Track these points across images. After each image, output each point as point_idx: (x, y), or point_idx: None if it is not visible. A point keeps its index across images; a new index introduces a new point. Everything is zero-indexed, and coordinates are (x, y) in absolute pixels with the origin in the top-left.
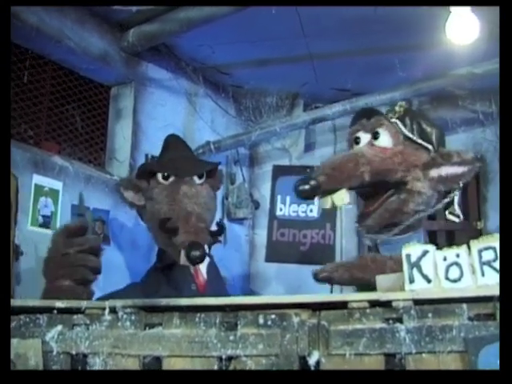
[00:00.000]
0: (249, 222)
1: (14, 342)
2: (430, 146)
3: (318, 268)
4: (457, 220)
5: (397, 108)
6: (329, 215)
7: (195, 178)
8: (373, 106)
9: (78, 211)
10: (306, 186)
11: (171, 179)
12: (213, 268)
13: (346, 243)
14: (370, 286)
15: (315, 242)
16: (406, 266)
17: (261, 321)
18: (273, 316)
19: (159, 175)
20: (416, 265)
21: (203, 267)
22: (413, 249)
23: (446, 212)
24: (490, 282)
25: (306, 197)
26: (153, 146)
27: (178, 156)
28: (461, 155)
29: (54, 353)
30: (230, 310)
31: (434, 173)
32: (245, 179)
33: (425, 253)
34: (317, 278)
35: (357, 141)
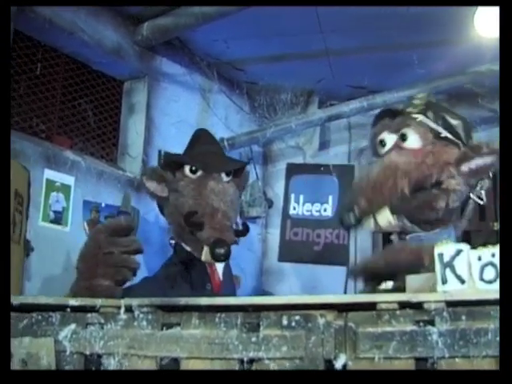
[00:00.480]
0: (262, 221)
1: (25, 340)
2: (458, 141)
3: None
4: (480, 202)
5: (416, 101)
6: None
7: (223, 175)
8: (390, 103)
9: (122, 207)
10: (352, 218)
11: (199, 173)
12: (228, 269)
13: (360, 243)
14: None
15: (329, 242)
16: (438, 266)
17: (284, 322)
18: (297, 317)
19: (186, 168)
20: (449, 265)
21: (220, 268)
22: (446, 248)
23: (471, 195)
24: None
25: (353, 228)
26: (166, 142)
27: (207, 151)
28: (489, 146)
29: (67, 353)
30: (253, 310)
31: (466, 167)
32: (258, 177)
33: (458, 252)
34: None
35: (382, 143)
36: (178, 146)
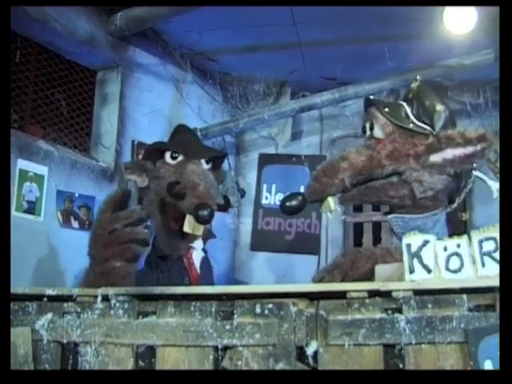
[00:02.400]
0: (234, 211)
1: None
2: (429, 130)
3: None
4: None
5: (412, 85)
6: (315, 204)
7: (202, 162)
8: (362, 95)
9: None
10: (293, 203)
11: (179, 159)
12: (206, 264)
13: (331, 232)
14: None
15: (301, 231)
16: (406, 256)
17: (258, 310)
18: (270, 305)
19: (167, 155)
20: (416, 255)
21: (197, 261)
22: (413, 239)
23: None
24: (490, 273)
25: (292, 212)
26: (139, 132)
27: (187, 140)
28: (465, 135)
29: (45, 341)
30: (227, 298)
31: (436, 158)
32: (231, 167)
33: (425, 243)
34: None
35: (363, 130)
36: (151, 137)
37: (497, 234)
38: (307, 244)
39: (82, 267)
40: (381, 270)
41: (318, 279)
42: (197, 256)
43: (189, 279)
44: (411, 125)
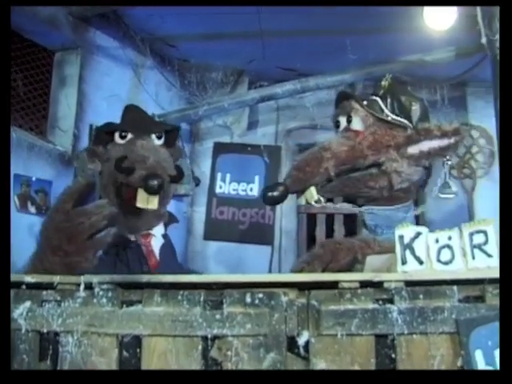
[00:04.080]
0: (188, 199)
1: None
2: (407, 123)
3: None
4: (451, 196)
5: (383, 82)
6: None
7: (153, 137)
8: (323, 87)
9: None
10: (275, 193)
11: (128, 137)
12: (167, 249)
13: (285, 223)
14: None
15: (254, 222)
16: (398, 247)
17: (248, 300)
18: (260, 295)
19: (116, 136)
20: (409, 246)
21: (156, 248)
22: (406, 230)
23: (439, 193)
24: (479, 265)
25: (274, 203)
26: (97, 117)
27: (136, 118)
28: (441, 128)
29: (23, 331)
30: (217, 288)
31: (413, 149)
32: (186, 155)
33: (418, 235)
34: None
35: (337, 124)
36: (109, 121)
37: (487, 227)
38: (261, 234)
39: None
40: (372, 260)
41: (297, 270)
42: (156, 243)
43: (148, 267)
44: (389, 118)
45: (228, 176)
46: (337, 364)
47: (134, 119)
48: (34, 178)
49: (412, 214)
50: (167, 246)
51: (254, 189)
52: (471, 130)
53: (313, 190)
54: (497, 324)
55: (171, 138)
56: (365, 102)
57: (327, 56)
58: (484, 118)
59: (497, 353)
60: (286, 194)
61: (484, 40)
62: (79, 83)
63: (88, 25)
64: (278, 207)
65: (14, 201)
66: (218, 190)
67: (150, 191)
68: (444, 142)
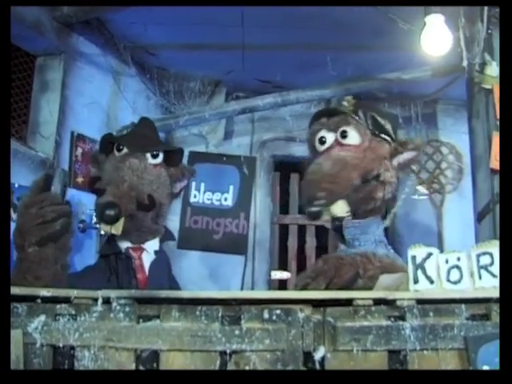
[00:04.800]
0: None
1: None
2: (388, 138)
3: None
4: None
5: (345, 103)
6: (243, 205)
7: (148, 156)
8: (303, 101)
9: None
10: (318, 208)
11: (123, 151)
12: (159, 265)
13: (259, 234)
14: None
15: (228, 231)
16: (411, 267)
17: (266, 315)
18: (278, 311)
19: (115, 148)
20: (421, 266)
21: (147, 263)
22: (418, 251)
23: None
24: (486, 285)
25: (317, 218)
26: (79, 124)
27: (139, 132)
28: (413, 141)
29: (38, 345)
30: (236, 303)
31: (396, 161)
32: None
33: (429, 255)
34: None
35: (322, 140)
36: (89, 129)
37: (493, 250)
38: (235, 244)
39: None
40: (383, 279)
41: (303, 286)
42: (147, 257)
43: (135, 280)
44: (377, 132)
45: (202, 185)
46: None
47: (136, 134)
48: (16, 185)
49: (382, 226)
50: (160, 262)
51: (228, 198)
52: (441, 146)
53: (343, 202)
54: None
55: (173, 158)
56: (357, 118)
57: (306, 70)
58: (453, 134)
59: None
60: (325, 208)
61: (465, 63)
62: (62, 89)
63: (71, 31)
64: (252, 217)
65: None
66: (192, 199)
67: (106, 220)
68: (412, 154)
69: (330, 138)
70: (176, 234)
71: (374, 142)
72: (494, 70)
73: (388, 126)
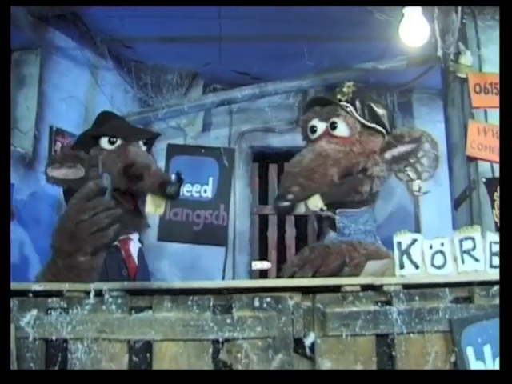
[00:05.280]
0: None
1: None
2: (383, 130)
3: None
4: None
5: (344, 89)
6: (223, 196)
7: (141, 144)
8: (281, 92)
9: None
10: (287, 203)
11: (118, 143)
12: (142, 254)
13: (239, 224)
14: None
15: (209, 223)
16: (396, 253)
17: (256, 304)
18: (268, 299)
19: (104, 141)
20: (406, 252)
21: (134, 253)
22: (403, 237)
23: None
24: (468, 269)
25: (287, 213)
26: (57, 118)
27: (120, 124)
28: (410, 134)
29: (30, 339)
30: (228, 292)
31: (389, 154)
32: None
33: (414, 241)
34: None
35: (313, 129)
36: (68, 123)
37: (475, 234)
38: (215, 235)
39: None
40: (370, 265)
41: (290, 274)
42: (134, 247)
43: (127, 271)
44: (370, 124)
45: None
46: (341, 362)
47: (120, 125)
48: None
49: (373, 215)
50: (142, 252)
51: (207, 190)
52: None
53: (317, 197)
54: (485, 322)
55: (149, 145)
56: (348, 109)
57: (283, 61)
58: (428, 123)
59: (486, 348)
60: (296, 203)
61: (440, 53)
62: (39, 84)
63: (47, 24)
64: (232, 208)
65: None
66: None
67: (170, 197)
68: (409, 147)
69: (320, 127)
70: (156, 227)
71: (364, 135)
72: (468, 59)
73: (385, 118)
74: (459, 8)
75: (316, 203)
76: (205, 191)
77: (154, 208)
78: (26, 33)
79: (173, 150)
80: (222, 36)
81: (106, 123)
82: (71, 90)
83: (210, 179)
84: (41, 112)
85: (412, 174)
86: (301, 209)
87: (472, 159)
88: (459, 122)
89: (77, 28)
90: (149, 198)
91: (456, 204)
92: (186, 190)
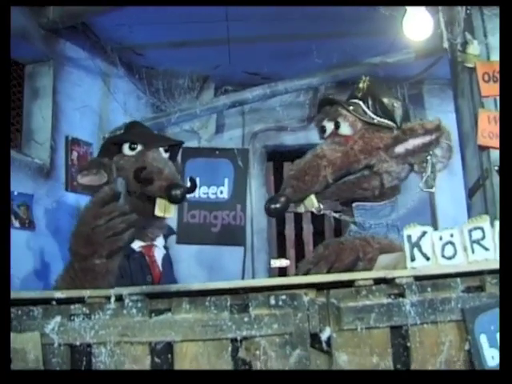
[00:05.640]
0: None
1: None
2: (392, 124)
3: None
4: (432, 190)
5: (360, 85)
6: (239, 197)
7: (161, 151)
8: (292, 90)
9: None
10: (278, 205)
11: (138, 149)
12: (167, 260)
13: (256, 224)
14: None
15: (226, 223)
16: (407, 246)
17: (272, 301)
18: (283, 297)
19: (125, 147)
20: (416, 244)
21: (159, 259)
22: (413, 230)
23: (421, 185)
24: (479, 258)
25: (278, 214)
26: (71, 128)
27: (143, 131)
28: (424, 126)
29: (55, 345)
30: (244, 292)
31: (400, 149)
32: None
33: (424, 233)
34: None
35: (323, 129)
36: (83, 132)
37: (484, 224)
38: (233, 236)
39: (23, 267)
40: (382, 259)
41: (305, 271)
42: (158, 253)
43: (151, 277)
44: (375, 120)
45: (197, 180)
46: (357, 355)
47: (143, 133)
48: (15, 193)
49: (396, 207)
50: (168, 257)
51: (224, 191)
52: None
53: (313, 198)
54: (497, 310)
55: (174, 153)
56: (351, 108)
57: (292, 60)
58: (440, 114)
59: (499, 336)
60: (288, 205)
61: (446, 44)
62: (53, 95)
63: (58, 36)
64: (249, 208)
65: None
66: (188, 195)
67: (174, 201)
68: (426, 138)
69: (329, 127)
70: (175, 228)
71: (368, 132)
72: (475, 48)
73: (395, 113)
74: None
75: (311, 203)
76: (221, 192)
77: (161, 212)
78: (37, 46)
79: (187, 153)
80: (231, 38)
81: (131, 131)
82: (84, 100)
83: (226, 180)
84: (56, 122)
85: (426, 166)
86: (300, 209)
87: (484, 148)
88: (469, 112)
89: (87, 38)
90: (157, 202)
91: (470, 193)
92: (203, 192)
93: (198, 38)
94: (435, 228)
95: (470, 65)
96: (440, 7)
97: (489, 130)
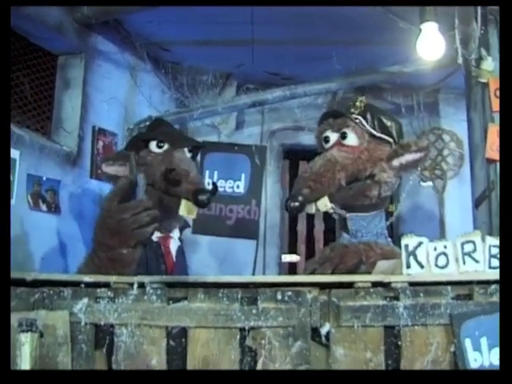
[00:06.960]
0: None
1: (41, 313)
2: (390, 139)
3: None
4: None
5: (357, 103)
6: (255, 192)
7: (186, 151)
8: (310, 94)
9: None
10: (297, 203)
11: (165, 148)
12: (181, 252)
13: (269, 219)
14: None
15: (241, 217)
16: (404, 254)
17: (279, 297)
18: (289, 293)
19: (153, 144)
20: (412, 253)
21: (173, 249)
22: (410, 240)
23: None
24: (469, 269)
25: (297, 212)
26: (99, 118)
27: (169, 130)
28: (417, 143)
29: (82, 323)
30: (254, 286)
31: (397, 162)
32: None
33: (420, 244)
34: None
35: (326, 139)
36: (109, 123)
37: (475, 238)
38: (247, 229)
39: (48, 249)
40: (381, 264)
41: (311, 271)
42: (173, 245)
43: (165, 266)
44: (378, 134)
45: (215, 173)
46: (352, 350)
47: (170, 132)
48: (44, 178)
49: (384, 217)
50: (182, 250)
51: (240, 186)
52: (443, 134)
53: (326, 199)
54: (482, 317)
55: (195, 153)
56: (357, 121)
57: (312, 64)
58: (454, 123)
59: (483, 340)
60: (306, 204)
61: (460, 60)
62: (83, 86)
63: (91, 31)
64: (263, 203)
65: (28, 200)
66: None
67: (200, 205)
68: (417, 155)
69: (333, 137)
70: (191, 220)
71: (372, 144)
72: (489, 64)
73: (393, 129)
74: (479, 16)
75: (325, 204)
76: (237, 187)
77: (186, 212)
78: (71, 39)
79: (207, 147)
80: (255, 39)
81: (158, 129)
82: (112, 92)
83: (243, 175)
84: (84, 112)
85: (438, 173)
86: (311, 209)
87: (491, 161)
88: (480, 125)
89: (118, 33)
90: (183, 202)
91: (477, 203)
92: (220, 186)
93: (223, 37)
94: (442, 233)
95: (484, 80)
96: (456, 24)
97: (497, 144)
